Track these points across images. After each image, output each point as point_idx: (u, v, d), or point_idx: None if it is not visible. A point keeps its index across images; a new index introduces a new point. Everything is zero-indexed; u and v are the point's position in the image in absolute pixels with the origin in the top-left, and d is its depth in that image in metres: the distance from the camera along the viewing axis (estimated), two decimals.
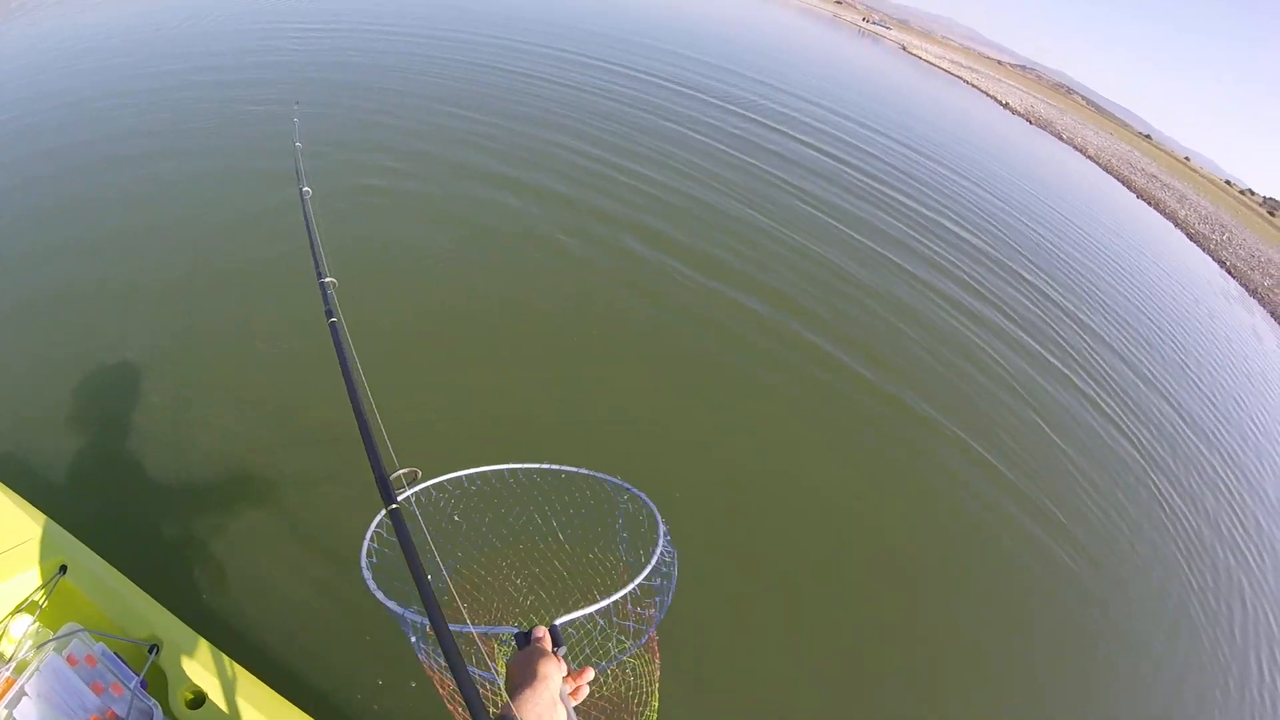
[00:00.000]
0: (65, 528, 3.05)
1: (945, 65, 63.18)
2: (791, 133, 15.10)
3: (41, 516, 3.02)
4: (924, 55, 67.84)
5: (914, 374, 6.98)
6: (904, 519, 5.34)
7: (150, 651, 2.52)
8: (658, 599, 1.81)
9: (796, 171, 12.16)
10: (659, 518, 1.94)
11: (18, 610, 2.67)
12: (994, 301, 9.53)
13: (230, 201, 6.87)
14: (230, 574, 3.74)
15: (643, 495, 2.03)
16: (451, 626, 1.24)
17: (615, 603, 1.70)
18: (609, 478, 2.08)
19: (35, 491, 3.25)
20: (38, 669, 2.29)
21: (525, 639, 1.26)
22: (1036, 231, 14.95)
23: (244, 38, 12.46)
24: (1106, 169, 36.26)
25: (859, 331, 7.50)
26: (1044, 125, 43.94)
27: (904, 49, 69.93)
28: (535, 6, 22.87)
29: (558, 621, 1.32)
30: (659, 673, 1.86)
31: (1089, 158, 37.82)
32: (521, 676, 1.13)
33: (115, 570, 2.89)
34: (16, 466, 4.12)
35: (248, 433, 4.57)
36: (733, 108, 15.69)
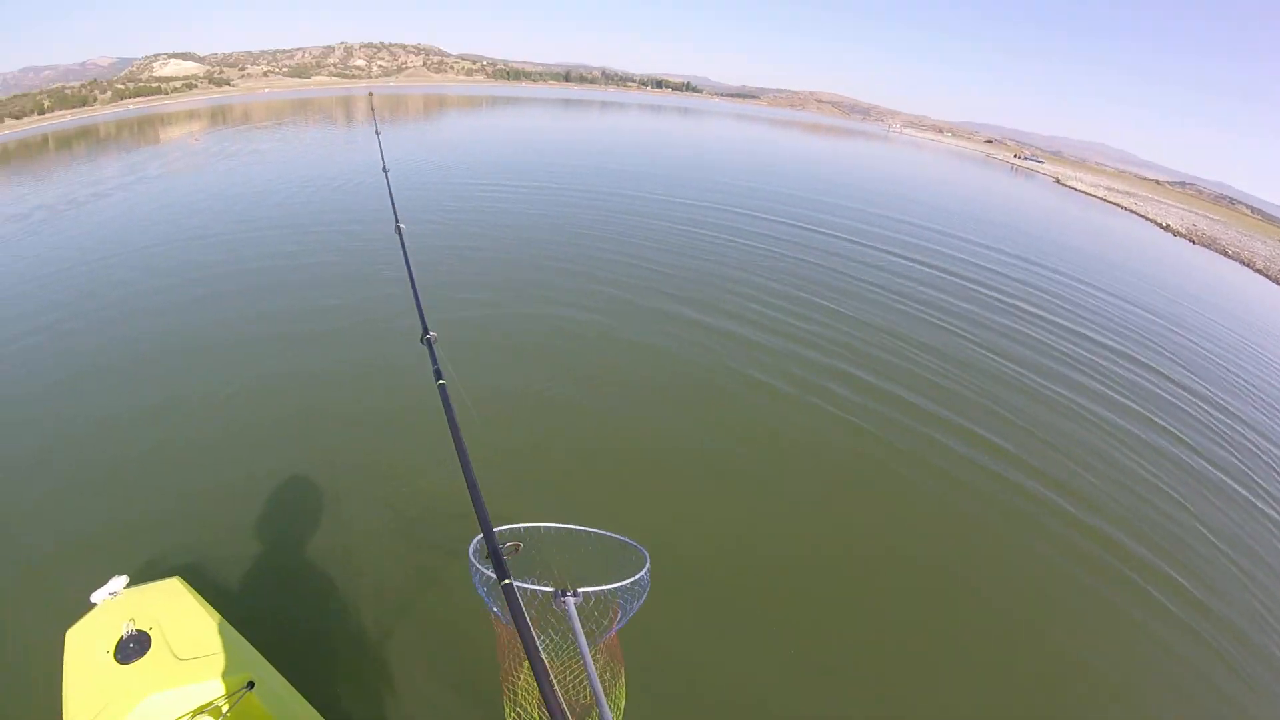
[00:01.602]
0: (249, 640, 3.45)
1: (1101, 193, 65.51)
2: (965, 279, 16.94)
3: (230, 629, 3.41)
4: (1079, 185, 70.52)
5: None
6: None
7: (246, 687, 2.71)
8: (622, 611, 2.65)
9: (972, 311, 14.06)
10: (647, 561, 2.80)
11: (199, 712, 2.96)
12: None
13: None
14: (409, 697, 4.42)
15: (642, 549, 2.87)
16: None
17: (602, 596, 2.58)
18: (633, 544, 2.91)
19: (222, 600, 3.86)
20: None
21: None
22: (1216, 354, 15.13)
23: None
24: (1277, 280, 37.42)
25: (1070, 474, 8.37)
26: (1207, 243, 45.72)
27: (1058, 181, 72.82)
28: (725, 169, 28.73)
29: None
30: (623, 667, 2.84)
31: (1257, 270, 39.23)
32: None
33: (297, 693, 3.20)
34: (208, 576, 5.02)
35: (409, 561, 5.69)
36: (918, 260, 17.94)
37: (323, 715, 3.15)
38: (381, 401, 8.24)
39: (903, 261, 18.00)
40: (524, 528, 2.82)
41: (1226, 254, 42.83)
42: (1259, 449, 10.26)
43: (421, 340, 3.12)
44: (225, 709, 2.94)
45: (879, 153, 66.01)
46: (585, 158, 31.35)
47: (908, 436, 8.56)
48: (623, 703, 2.90)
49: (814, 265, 16.23)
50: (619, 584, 2.69)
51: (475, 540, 2.52)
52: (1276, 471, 9.63)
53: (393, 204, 5.28)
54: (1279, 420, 11.82)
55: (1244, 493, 8.73)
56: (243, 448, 7.30)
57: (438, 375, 3.04)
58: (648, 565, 2.82)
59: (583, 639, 2.26)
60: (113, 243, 15.20)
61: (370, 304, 11.26)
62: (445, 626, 5.04)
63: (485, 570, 2.40)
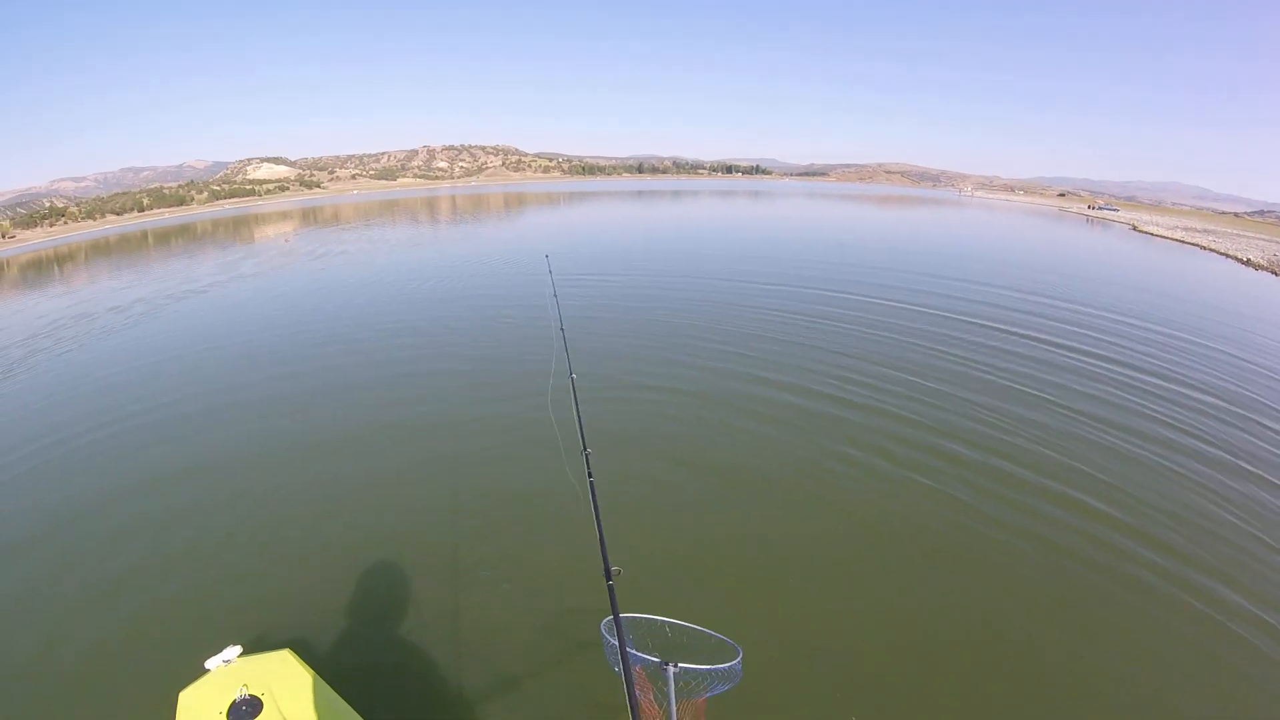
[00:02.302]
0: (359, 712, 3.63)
1: (1179, 235, 63.31)
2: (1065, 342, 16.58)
3: (339, 700, 3.61)
4: (1156, 230, 68.28)
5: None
6: None
7: None
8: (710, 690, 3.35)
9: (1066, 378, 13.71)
10: (740, 654, 3.41)
11: None
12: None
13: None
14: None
15: (738, 646, 3.47)
16: None
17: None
18: (729, 641, 3.49)
19: (334, 675, 4.07)
20: None
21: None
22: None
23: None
24: None
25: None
26: None
27: (1135, 228, 70.68)
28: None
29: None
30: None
31: None
32: None
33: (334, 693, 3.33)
34: (319, 651, 5.39)
35: (529, 644, 5.88)
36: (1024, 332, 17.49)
37: None
38: (513, 486, 8.80)
39: (983, 327, 18.07)
40: (644, 618, 3.55)
41: None
42: None
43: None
44: None
45: (949, 217, 65.49)
46: (662, 243, 33.66)
47: (1009, 509, 8.49)
48: None
49: (898, 340, 16.42)
50: (712, 666, 3.34)
51: (605, 621, 3.26)
52: None
53: (567, 355, 5.94)
54: None
55: None
56: (349, 532, 7.81)
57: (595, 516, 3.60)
58: (740, 657, 3.44)
59: (674, 703, 2.88)
60: (217, 334, 17.77)
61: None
62: (562, 706, 5.21)
63: (610, 639, 2.98)
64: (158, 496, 8.72)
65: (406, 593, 6.48)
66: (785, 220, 45.57)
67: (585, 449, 4.08)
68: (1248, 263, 46.75)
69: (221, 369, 14.48)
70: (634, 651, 2.80)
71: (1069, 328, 18.59)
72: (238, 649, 4.00)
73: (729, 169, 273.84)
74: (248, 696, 3.43)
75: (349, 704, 3.65)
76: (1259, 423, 11.87)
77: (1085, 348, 16.42)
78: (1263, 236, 69.73)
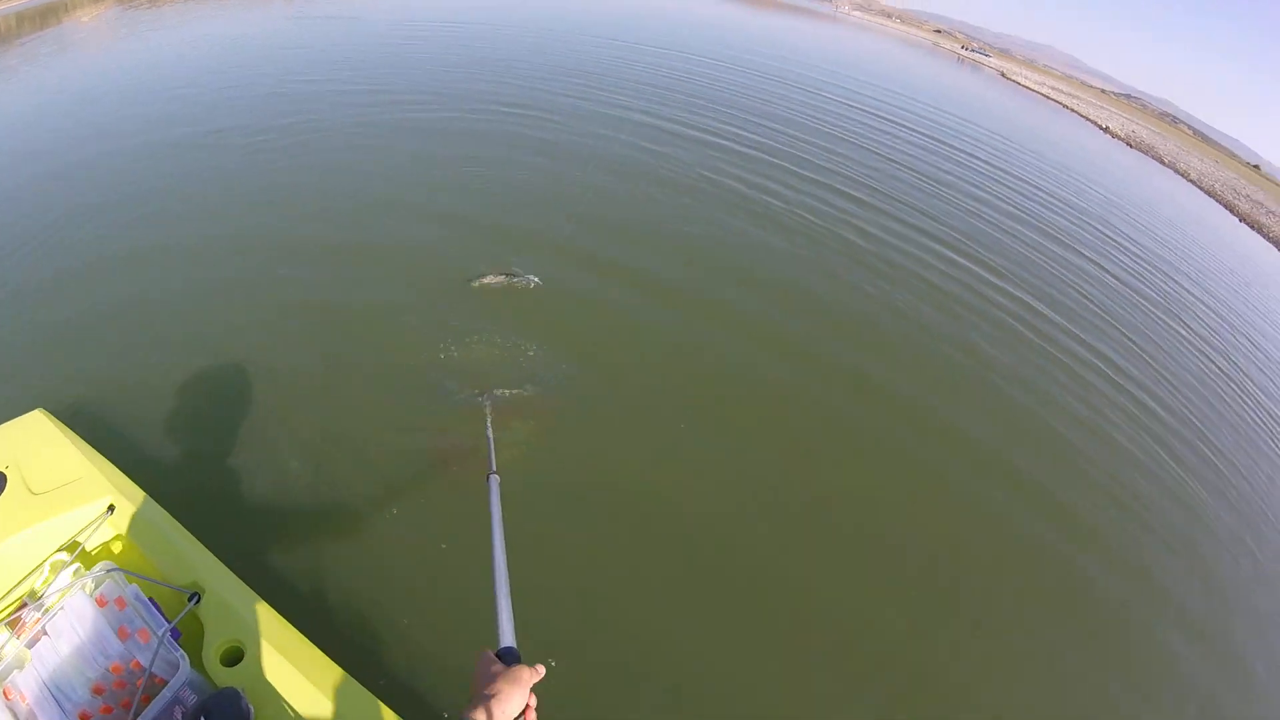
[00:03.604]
0: (119, 466, 2.98)
1: (1045, 90, 62.95)
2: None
3: (95, 454, 2.99)
4: (1022, 80, 67.70)
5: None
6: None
7: (190, 599, 2.37)
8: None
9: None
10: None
11: (59, 550, 2.56)
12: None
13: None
14: (288, 524, 3.78)
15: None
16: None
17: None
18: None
19: (90, 428, 3.31)
20: (61, 607, 2.19)
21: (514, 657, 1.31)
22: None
23: None
24: (1209, 193, 36.39)
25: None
26: (1146, 150, 43.98)
27: (1003, 75, 69.92)
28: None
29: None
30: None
31: (1191, 182, 38.01)
32: (495, 690, 1.15)
33: (163, 510, 2.79)
34: (71, 404, 4.27)
35: (296, 377, 4.85)
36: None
37: (196, 536, 2.69)
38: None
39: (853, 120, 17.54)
40: None
41: (1162, 161, 41.44)
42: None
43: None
44: (85, 541, 2.58)
45: (819, 31, 61.57)
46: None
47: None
48: None
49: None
50: None
51: None
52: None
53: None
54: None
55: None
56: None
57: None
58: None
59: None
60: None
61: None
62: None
63: None
64: None
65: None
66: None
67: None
68: (1107, 130, 47.70)
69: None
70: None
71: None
72: None
73: None
74: None
75: (115, 465, 2.93)
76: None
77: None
78: (1122, 114, 74.38)
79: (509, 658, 1.30)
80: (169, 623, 2.26)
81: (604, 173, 9.53)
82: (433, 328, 5.49)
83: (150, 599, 2.32)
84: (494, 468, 2.41)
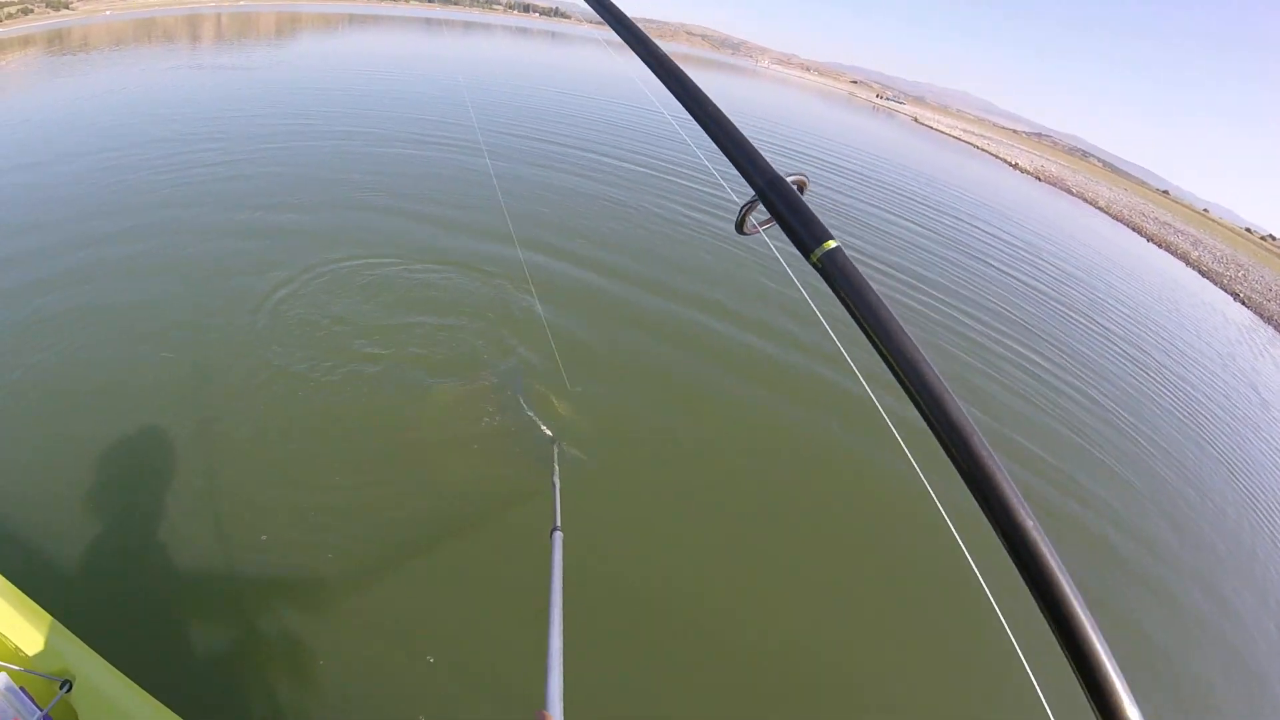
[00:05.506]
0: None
1: (956, 133, 65.94)
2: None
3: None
4: (935, 125, 70.87)
5: None
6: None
7: (61, 687, 2.34)
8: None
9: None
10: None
11: None
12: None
13: None
14: (157, 610, 3.55)
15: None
16: None
17: None
18: None
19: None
20: None
21: None
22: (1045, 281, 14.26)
23: None
24: (1117, 218, 37.66)
25: None
26: (1054, 181, 45.74)
27: (916, 120, 73.11)
28: None
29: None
30: None
31: (1100, 209, 39.33)
32: None
33: (27, 598, 2.71)
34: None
35: (179, 463, 4.39)
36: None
37: (63, 624, 2.54)
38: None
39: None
40: None
41: (1070, 192, 43.08)
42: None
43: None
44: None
45: (744, 85, 63.55)
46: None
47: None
48: None
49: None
50: None
51: None
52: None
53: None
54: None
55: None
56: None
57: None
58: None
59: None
60: None
61: None
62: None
63: None
64: None
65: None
66: (586, 61, 39.73)
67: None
68: (1015, 165, 49.53)
69: None
70: None
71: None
72: None
73: (526, 7, 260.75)
74: None
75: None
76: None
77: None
78: (1032, 152, 79.25)
79: None
80: (41, 710, 2.20)
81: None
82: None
83: (21, 688, 2.25)
84: (558, 523, 2.40)
